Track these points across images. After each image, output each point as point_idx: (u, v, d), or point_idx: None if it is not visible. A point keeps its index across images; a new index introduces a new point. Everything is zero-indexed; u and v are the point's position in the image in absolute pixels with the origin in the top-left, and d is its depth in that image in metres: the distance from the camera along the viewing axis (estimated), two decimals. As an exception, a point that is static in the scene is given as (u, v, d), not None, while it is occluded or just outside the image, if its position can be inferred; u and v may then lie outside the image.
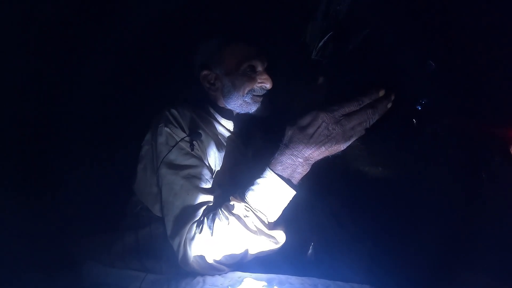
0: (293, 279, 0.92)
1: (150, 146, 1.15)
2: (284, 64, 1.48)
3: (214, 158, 1.16)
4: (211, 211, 1.00)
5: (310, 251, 1.16)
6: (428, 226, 1.24)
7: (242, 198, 0.97)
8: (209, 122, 1.25)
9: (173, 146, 1.07)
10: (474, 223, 1.21)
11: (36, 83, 1.41)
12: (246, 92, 1.22)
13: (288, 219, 1.03)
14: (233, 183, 1.16)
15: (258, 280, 0.91)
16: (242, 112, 1.26)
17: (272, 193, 0.95)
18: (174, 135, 1.10)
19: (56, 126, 1.44)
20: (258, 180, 0.96)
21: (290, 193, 0.96)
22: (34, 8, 1.35)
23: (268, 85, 1.23)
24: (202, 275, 0.95)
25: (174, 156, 1.07)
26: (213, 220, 0.96)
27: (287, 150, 0.95)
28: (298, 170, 0.96)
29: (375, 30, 1.35)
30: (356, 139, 1.34)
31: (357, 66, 1.39)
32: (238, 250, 0.97)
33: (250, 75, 1.22)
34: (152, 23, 1.53)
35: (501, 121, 1.25)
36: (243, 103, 1.24)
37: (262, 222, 0.96)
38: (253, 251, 0.98)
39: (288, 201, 0.98)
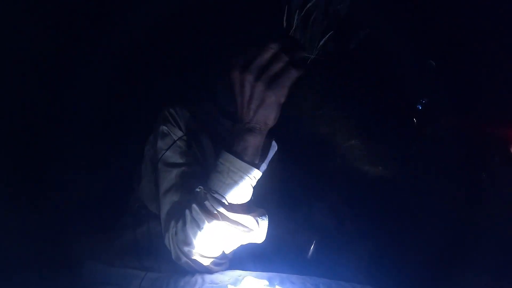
0: (294, 278, 0.91)
1: (151, 146, 1.16)
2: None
3: (213, 157, 1.16)
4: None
5: (311, 250, 1.16)
6: (428, 226, 1.23)
7: (203, 184, 0.91)
8: (208, 121, 1.25)
9: (171, 145, 1.07)
10: (474, 222, 1.21)
11: (36, 83, 1.41)
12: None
13: (289, 230, 1.02)
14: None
15: (258, 278, 0.90)
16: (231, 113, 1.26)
17: (225, 170, 0.88)
18: (171, 134, 1.10)
19: (56, 126, 1.44)
20: (215, 161, 0.91)
21: (245, 168, 0.88)
22: (35, 8, 1.35)
23: None
24: (201, 273, 0.94)
25: (171, 154, 1.07)
26: (183, 211, 0.91)
27: (233, 128, 0.88)
28: (248, 140, 0.86)
29: (376, 29, 1.35)
30: (356, 139, 1.35)
31: (357, 66, 1.39)
32: (210, 239, 0.90)
33: None
34: (153, 24, 1.53)
35: (501, 121, 1.25)
36: (226, 101, 1.22)
37: (221, 203, 0.89)
38: (226, 240, 0.92)
39: (249, 180, 0.90)
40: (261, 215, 0.95)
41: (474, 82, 1.30)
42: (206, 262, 0.94)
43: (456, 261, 1.17)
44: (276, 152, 1.42)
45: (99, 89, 1.49)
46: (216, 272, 0.95)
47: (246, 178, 0.89)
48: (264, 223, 0.95)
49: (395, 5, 1.36)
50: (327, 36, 1.35)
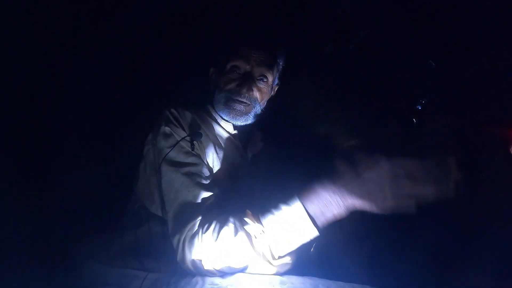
0: (294, 279, 0.92)
1: (151, 145, 1.15)
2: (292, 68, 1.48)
3: (213, 159, 1.16)
4: (217, 213, 0.97)
5: (311, 251, 1.16)
6: (428, 225, 1.23)
7: (258, 219, 0.91)
8: (209, 123, 1.25)
9: (174, 145, 1.07)
10: (474, 223, 1.21)
11: (36, 83, 1.41)
12: (222, 90, 1.23)
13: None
14: (231, 184, 1.16)
15: (258, 279, 0.90)
16: (220, 114, 1.26)
17: (292, 226, 0.87)
18: (174, 134, 1.10)
19: (56, 126, 1.44)
20: (283, 206, 0.88)
21: (311, 232, 0.87)
22: (36, 8, 1.35)
23: (242, 89, 1.20)
24: (202, 275, 0.94)
25: (175, 154, 1.07)
26: (221, 226, 0.91)
27: (330, 185, 0.85)
28: (331, 212, 0.85)
29: (376, 29, 1.35)
30: (356, 140, 1.34)
31: (357, 66, 1.40)
32: (236, 264, 0.92)
33: (231, 75, 1.23)
34: (154, 24, 1.53)
35: (501, 121, 1.25)
36: (218, 102, 1.25)
37: (270, 252, 0.90)
38: (250, 270, 0.94)
39: (306, 241, 0.89)
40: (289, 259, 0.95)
41: (474, 82, 1.30)
42: (212, 271, 0.94)
43: (456, 261, 1.17)
44: (276, 152, 1.43)
45: (99, 89, 1.49)
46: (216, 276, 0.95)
47: (306, 239, 0.89)
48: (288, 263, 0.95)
49: (395, 5, 1.35)
50: (327, 35, 1.36)
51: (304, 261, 1.08)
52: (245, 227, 0.90)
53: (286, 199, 0.89)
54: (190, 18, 1.60)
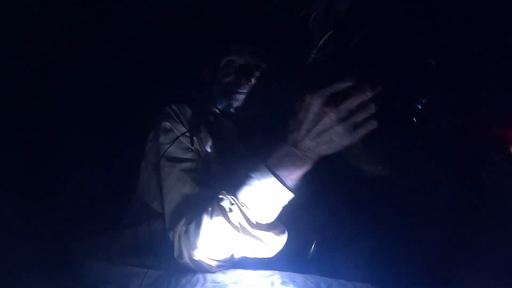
0: (296, 277, 0.91)
1: (152, 143, 1.16)
2: (285, 64, 1.48)
3: (212, 156, 1.16)
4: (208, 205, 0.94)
5: (312, 250, 1.16)
6: (428, 225, 1.24)
7: (232, 191, 0.90)
8: (209, 119, 1.25)
9: (174, 140, 1.07)
10: (474, 222, 1.21)
11: (36, 83, 1.41)
12: (221, 85, 1.25)
13: (288, 222, 0.96)
14: (230, 181, 1.16)
15: (260, 277, 0.90)
16: (223, 108, 1.27)
17: (262, 189, 0.86)
18: (174, 130, 1.11)
19: (56, 125, 1.44)
20: (251, 173, 0.89)
21: (283, 193, 0.86)
22: (35, 8, 1.35)
23: (241, 81, 1.22)
24: (202, 272, 0.94)
25: (174, 150, 1.07)
26: (201, 214, 0.90)
27: (282, 143, 0.86)
28: (294, 164, 0.84)
29: (376, 29, 1.35)
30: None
31: (357, 65, 1.39)
32: (222, 247, 0.91)
33: (227, 70, 1.25)
34: (154, 23, 1.53)
35: (501, 121, 1.25)
36: (218, 96, 1.26)
37: (247, 219, 0.88)
38: (239, 250, 0.93)
39: (282, 203, 0.89)
40: (281, 232, 0.93)
41: (474, 82, 1.30)
42: (209, 263, 0.94)
43: (456, 260, 1.17)
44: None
45: (99, 89, 1.49)
46: (217, 271, 0.95)
47: (281, 201, 0.88)
48: (281, 240, 0.93)
49: (395, 5, 1.36)
50: (327, 35, 1.36)
51: (306, 259, 1.08)
52: (219, 203, 0.89)
53: (253, 168, 0.89)
54: (185, 17, 1.61)
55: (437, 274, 1.13)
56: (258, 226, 0.90)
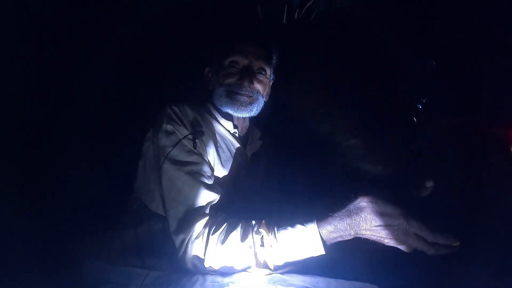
0: (295, 277, 0.91)
1: (151, 143, 1.15)
2: (284, 64, 1.48)
3: (214, 158, 1.16)
4: (220, 214, 1.00)
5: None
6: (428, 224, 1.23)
7: (271, 230, 0.94)
8: (209, 121, 1.25)
9: (176, 143, 1.07)
10: (474, 222, 1.21)
11: (36, 83, 1.41)
12: (221, 85, 1.24)
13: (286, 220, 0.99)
14: (232, 183, 1.16)
15: (258, 276, 0.90)
16: (223, 109, 1.27)
17: (302, 244, 0.91)
18: (177, 132, 1.10)
19: (56, 125, 1.44)
20: (299, 226, 0.92)
21: (318, 251, 0.92)
22: (35, 8, 1.35)
23: (244, 82, 1.22)
24: (201, 274, 0.94)
25: (177, 153, 1.07)
26: (229, 231, 0.94)
27: (347, 219, 0.90)
28: (341, 237, 0.92)
29: (376, 29, 1.36)
30: (356, 139, 1.34)
31: (357, 65, 1.40)
32: (237, 266, 0.94)
33: (230, 70, 1.24)
34: (153, 24, 1.53)
35: (501, 121, 1.25)
36: (219, 97, 1.25)
37: (273, 261, 0.93)
38: (248, 271, 0.95)
39: (309, 256, 0.93)
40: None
41: (475, 81, 1.30)
42: (211, 270, 0.95)
43: (455, 259, 1.17)
44: (276, 151, 1.43)
45: (99, 89, 1.49)
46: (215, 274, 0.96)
47: (308, 256, 0.93)
48: None
49: (395, 5, 1.36)
50: (327, 35, 1.36)
51: (306, 258, 1.08)
52: (254, 233, 0.93)
53: (303, 219, 0.94)
54: (186, 17, 1.61)
55: (437, 273, 1.13)
56: (275, 268, 0.94)
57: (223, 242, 0.92)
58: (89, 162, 1.48)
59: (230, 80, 1.24)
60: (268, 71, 1.31)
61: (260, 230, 0.93)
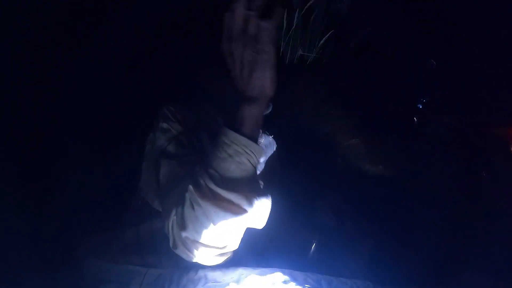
0: (297, 274, 0.92)
1: (151, 144, 1.16)
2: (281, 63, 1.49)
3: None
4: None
5: (312, 249, 1.16)
6: (428, 224, 1.24)
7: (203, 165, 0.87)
8: (207, 120, 1.25)
9: (172, 139, 1.07)
10: (474, 221, 1.21)
11: (37, 83, 1.41)
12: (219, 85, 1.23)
13: (288, 221, 1.00)
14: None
15: (261, 275, 0.90)
16: (221, 109, 1.26)
17: (220, 145, 0.84)
18: (172, 129, 1.10)
19: (56, 125, 1.44)
20: (213, 140, 0.87)
21: (241, 141, 0.83)
22: (35, 8, 1.36)
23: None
24: (204, 270, 0.94)
25: (172, 148, 1.06)
26: (185, 196, 0.85)
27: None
28: (244, 110, 0.83)
29: (377, 29, 1.36)
30: (357, 138, 1.34)
31: (358, 65, 1.40)
32: (205, 222, 0.84)
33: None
34: (153, 24, 1.54)
35: (501, 121, 1.25)
36: (216, 96, 1.25)
37: (213, 179, 0.84)
38: (221, 222, 0.85)
39: (246, 156, 0.85)
40: (259, 195, 0.88)
41: (475, 81, 1.30)
42: (204, 251, 0.88)
43: (456, 259, 1.17)
44: (276, 151, 1.43)
45: (99, 89, 1.49)
46: (217, 263, 0.93)
47: (243, 152, 0.84)
48: (260, 203, 0.88)
49: (396, 5, 1.36)
50: (328, 34, 1.36)
51: (307, 257, 1.08)
52: (198, 179, 0.85)
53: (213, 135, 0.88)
54: (185, 18, 1.61)
55: (437, 272, 1.13)
56: (227, 186, 0.84)
57: (182, 207, 0.85)
58: (90, 162, 1.48)
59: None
60: None
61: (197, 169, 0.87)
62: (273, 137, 1.45)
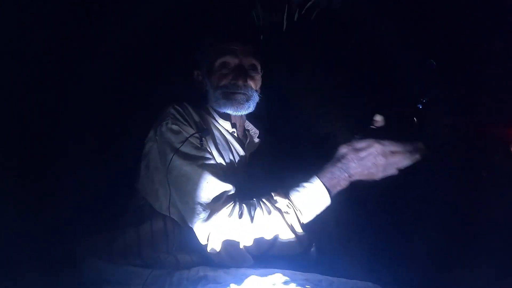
0: (297, 275, 0.91)
1: (154, 142, 1.15)
2: (280, 65, 1.49)
3: (218, 156, 1.16)
4: (243, 199, 1.05)
5: (312, 249, 1.16)
6: (428, 223, 1.24)
7: (286, 196, 1.04)
8: (208, 121, 1.25)
9: (184, 141, 1.08)
10: (474, 221, 1.21)
11: (37, 82, 1.41)
12: (217, 87, 1.25)
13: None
14: (233, 181, 1.16)
15: (262, 276, 0.90)
16: (221, 110, 1.28)
17: (313, 197, 1.03)
18: (183, 132, 1.10)
19: (56, 125, 1.44)
20: (305, 184, 1.04)
21: (327, 201, 1.04)
22: (36, 8, 1.35)
23: (238, 82, 1.24)
24: (205, 270, 0.94)
25: (187, 150, 1.08)
26: (254, 209, 1.01)
27: (338, 164, 1.05)
28: (340, 183, 1.05)
29: (377, 28, 1.36)
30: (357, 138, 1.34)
31: (357, 65, 1.40)
32: (269, 241, 1.01)
33: (222, 71, 1.26)
34: (153, 24, 1.53)
35: (501, 121, 1.25)
36: (217, 99, 1.26)
37: (298, 220, 1.03)
38: (281, 246, 1.03)
39: (322, 209, 1.05)
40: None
41: (475, 81, 1.30)
42: (242, 255, 1.00)
43: (456, 259, 1.17)
44: (275, 150, 1.43)
45: (99, 89, 1.49)
46: (239, 265, 0.99)
47: (323, 208, 1.05)
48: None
49: (396, 4, 1.36)
50: (328, 35, 1.36)
51: (306, 258, 1.08)
52: (275, 204, 1.03)
53: (306, 179, 1.06)
54: (178, 19, 1.61)
55: (437, 272, 1.13)
56: (302, 226, 1.04)
57: (252, 220, 0.99)
58: (90, 161, 1.48)
59: (224, 82, 1.25)
60: (259, 66, 1.33)
61: (276, 199, 1.04)
62: (273, 137, 1.46)
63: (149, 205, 1.13)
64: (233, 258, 0.99)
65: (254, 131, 1.43)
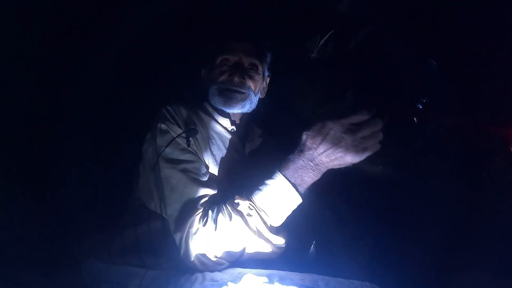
0: (294, 275, 0.91)
1: (149, 144, 1.16)
2: (284, 62, 1.48)
3: (211, 155, 1.16)
4: (212, 205, 1.00)
5: (311, 249, 1.16)
6: (428, 224, 1.23)
7: (247, 197, 0.98)
8: (206, 119, 1.26)
9: (170, 142, 1.08)
10: (475, 222, 1.21)
11: (37, 82, 1.41)
12: (215, 83, 1.26)
13: (290, 228, 1.05)
14: (229, 180, 1.16)
15: (258, 276, 0.90)
16: (216, 106, 1.28)
17: (278, 195, 0.96)
18: (170, 131, 1.11)
19: (56, 125, 1.44)
20: (267, 181, 0.97)
21: (296, 199, 0.97)
22: (36, 8, 1.36)
23: (234, 78, 1.24)
24: (205, 270, 0.95)
25: (171, 151, 1.08)
26: (217, 215, 0.97)
27: (299, 153, 0.96)
28: (308, 175, 0.96)
29: (377, 29, 1.36)
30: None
31: (358, 65, 1.40)
32: (237, 248, 0.98)
33: (222, 68, 1.26)
34: (152, 24, 1.54)
35: (501, 121, 1.25)
36: (213, 95, 1.26)
37: (264, 223, 0.97)
38: (251, 251, 1.00)
39: (293, 208, 0.99)
40: (284, 236, 1.03)
41: (475, 82, 1.30)
42: (217, 262, 0.97)
43: (456, 260, 1.17)
44: (276, 149, 1.43)
45: (99, 89, 1.49)
46: (217, 270, 0.96)
47: (293, 207, 0.98)
48: (285, 243, 1.03)
49: (396, 4, 1.36)
50: (328, 35, 1.36)
51: (304, 258, 1.08)
52: (237, 208, 0.97)
53: (268, 174, 0.98)
54: (182, 18, 1.61)
55: (436, 272, 1.13)
56: (271, 229, 0.99)
57: (215, 228, 0.95)
58: (89, 162, 1.48)
59: (222, 78, 1.25)
60: (260, 67, 1.32)
61: (238, 202, 0.98)
62: (273, 137, 1.45)
63: (146, 206, 1.13)
64: (204, 265, 0.96)
65: (257, 130, 1.43)
